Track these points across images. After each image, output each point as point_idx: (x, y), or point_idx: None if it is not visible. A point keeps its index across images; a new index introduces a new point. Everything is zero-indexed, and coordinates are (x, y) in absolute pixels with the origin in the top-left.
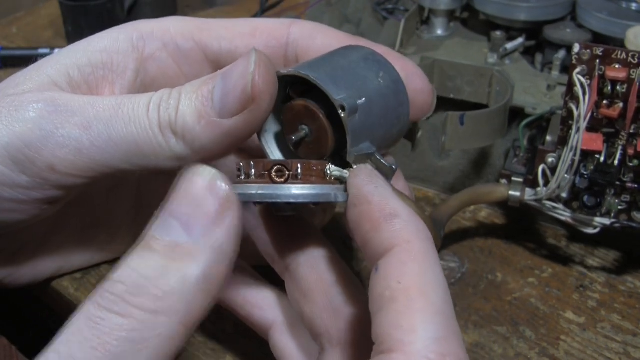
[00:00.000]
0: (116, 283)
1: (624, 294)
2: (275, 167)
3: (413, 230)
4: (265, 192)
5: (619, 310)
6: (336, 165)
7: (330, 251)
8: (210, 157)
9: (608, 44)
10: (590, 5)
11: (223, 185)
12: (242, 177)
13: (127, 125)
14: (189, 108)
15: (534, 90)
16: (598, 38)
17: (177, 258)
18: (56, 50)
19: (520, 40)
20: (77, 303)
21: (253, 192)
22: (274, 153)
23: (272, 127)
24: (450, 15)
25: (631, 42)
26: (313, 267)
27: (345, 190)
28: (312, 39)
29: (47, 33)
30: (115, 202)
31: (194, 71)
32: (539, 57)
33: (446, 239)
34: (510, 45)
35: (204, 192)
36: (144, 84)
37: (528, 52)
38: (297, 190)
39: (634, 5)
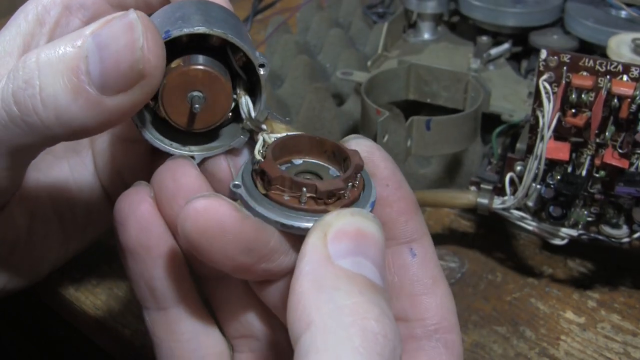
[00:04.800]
0: (379, 336)
1: (624, 294)
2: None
3: None
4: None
5: (619, 310)
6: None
7: None
8: (92, 134)
9: (594, 51)
10: (578, 13)
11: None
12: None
13: None
14: (60, 85)
15: (514, 97)
16: (584, 45)
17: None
18: None
19: (505, 46)
20: (77, 303)
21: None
22: (152, 133)
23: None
24: (438, 19)
25: (613, 51)
26: None
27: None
28: None
29: None
30: (76, 173)
31: None
32: (524, 64)
33: (446, 239)
34: (494, 51)
35: (382, 241)
36: None
37: (515, 58)
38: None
39: (623, 13)
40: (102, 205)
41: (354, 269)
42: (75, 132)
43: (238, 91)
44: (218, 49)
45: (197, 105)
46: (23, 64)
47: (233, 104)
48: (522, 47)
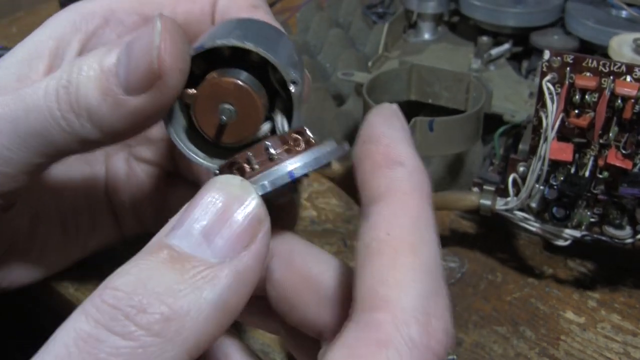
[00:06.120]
0: (118, 294)
1: (624, 294)
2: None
3: (415, 183)
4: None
5: (619, 310)
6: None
7: (301, 242)
8: (120, 138)
9: (595, 51)
10: (578, 12)
11: (254, 201)
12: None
13: (27, 116)
14: (92, 84)
15: (515, 98)
16: (585, 45)
17: (194, 276)
18: None
19: (505, 46)
20: (77, 303)
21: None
22: (187, 145)
23: (177, 117)
24: (438, 19)
25: (614, 51)
26: (289, 266)
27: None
28: (232, 3)
29: None
30: (86, 186)
31: None
32: (525, 64)
33: (446, 239)
34: (495, 51)
35: (233, 203)
36: None
37: (516, 59)
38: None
39: (623, 13)
40: (107, 220)
41: (170, 239)
42: (107, 135)
43: (276, 109)
44: (259, 67)
45: (223, 117)
46: (71, 66)
47: (270, 123)
48: (523, 47)
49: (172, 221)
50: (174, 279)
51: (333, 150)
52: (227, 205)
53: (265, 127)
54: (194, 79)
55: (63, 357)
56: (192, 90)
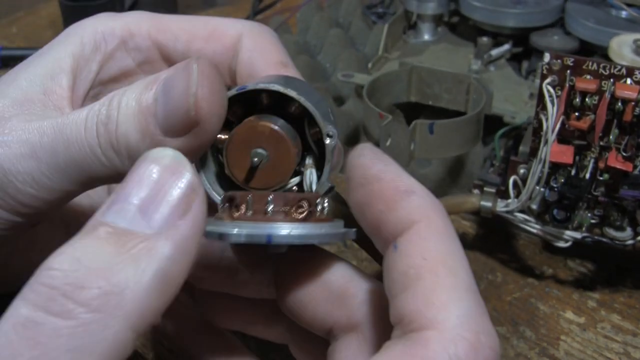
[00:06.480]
0: (54, 274)
1: (624, 294)
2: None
3: (431, 205)
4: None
5: (619, 310)
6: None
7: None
8: None
9: (595, 52)
10: (578, 13)
11: (188, 172)
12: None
13: (67, 149)
14: (131, 122)
15: (515, 99)
16: (585, 46)
17: (131, 248)
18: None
19: (505, 47)
20: None
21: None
22: (213, 187)
23: (207, 157)
24: (438, 20)
25: (614, 52)
26: (297, 267)
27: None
28: (259, 56)
29: (47, 33)
30: (91, 190)
31: (153, 70)
32: (525, 65)
33: None
34: (495, 52)
35: (167, 177)
36: (102, 84)
37: (516, 59)
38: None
39: (623, 13)
40: None
41: (104, 217)
42: None
43: (307, 163)
44: (297, 120)
45: (255, 159)
46: (110, 100)
47: (299, 178)
48: (523, 47)
49: (108, 201)
50: (112, 254)
51: (329, 234)
52: (161, 177)
53: (293, 181)
54: (228, 123)
55: (4, 346)
56: (225, 136)
